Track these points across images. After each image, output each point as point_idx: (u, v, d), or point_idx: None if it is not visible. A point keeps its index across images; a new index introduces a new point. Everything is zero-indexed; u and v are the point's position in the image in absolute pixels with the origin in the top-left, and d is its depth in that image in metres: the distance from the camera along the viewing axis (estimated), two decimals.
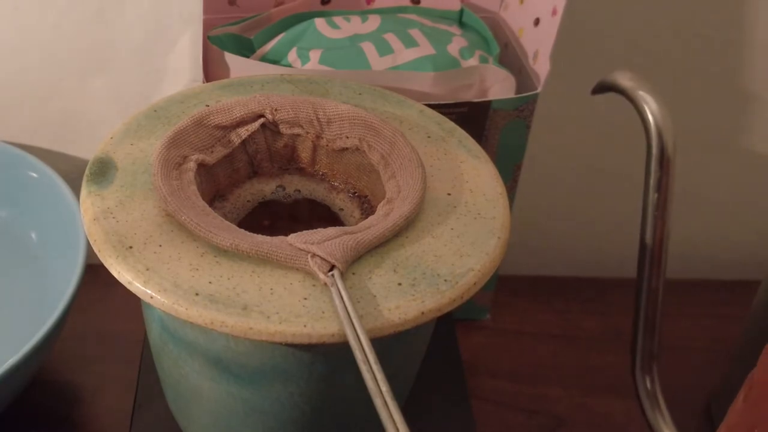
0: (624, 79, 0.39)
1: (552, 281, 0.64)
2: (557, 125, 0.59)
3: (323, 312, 0.31)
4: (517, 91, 0.48)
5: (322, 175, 0.41)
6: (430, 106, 0.43)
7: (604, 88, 0.40)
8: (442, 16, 0.53)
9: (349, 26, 0.49)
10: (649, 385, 0.40)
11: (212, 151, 0.38)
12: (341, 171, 0.41)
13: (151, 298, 0.31)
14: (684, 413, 0.53)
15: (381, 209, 0.36)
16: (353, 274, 0.32)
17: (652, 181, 0.38)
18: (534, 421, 0.53)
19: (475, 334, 0.58)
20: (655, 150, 0.38)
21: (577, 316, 0.60)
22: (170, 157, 0.36)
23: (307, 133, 0.40)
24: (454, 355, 0.51)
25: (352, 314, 0.30)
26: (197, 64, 0.54)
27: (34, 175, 0.54)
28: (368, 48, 0.47)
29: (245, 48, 0.49)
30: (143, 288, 0.31)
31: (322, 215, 0.41)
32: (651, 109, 0.38)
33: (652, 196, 0.38)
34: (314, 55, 0.47)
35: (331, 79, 0.43)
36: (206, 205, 0.35)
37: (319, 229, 0.33)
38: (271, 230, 0.34)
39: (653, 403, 0.40)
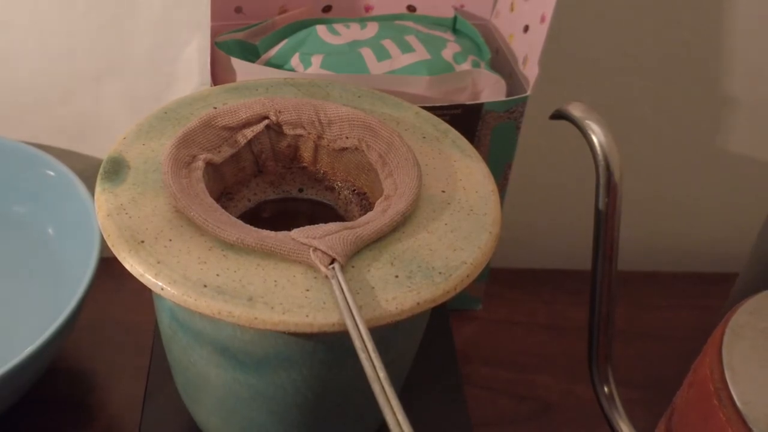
0: (575, 110, 0.39)
1: (541, 274, 0.64)
2: (546, 126, 0.59)
3: (324, 303, 0.31)
4: (508, 94, 0.48)
5: (323, 173, 0.41)
6: (425, 108, 0.43)
7: (558, 116, 0.40)
8: (436, 23, 0.53)
9: (348, 33, 0.49)
10: (606, 389, 0.42)
11: (219, 151, 0.38)
12: (341, 170, 0.41)
13: (162, 289, 0.31)
14: (664, 399, 0.54)
15: (379, 206, 0.36)
16: (353, 267, 0.32)
17: (600, 205, 0.39)
18: (524, 406, 0.53)
19: (468, 323, 0.58)
20: (602, 176, 0.38)
21: (564, 307, 0.60)
22: (180, 156, 0.36)
23: (309, 133, 0.40)
24: (448, 344, 0.51)
25: (352, 305, 0.30)
26: (205, 69, 0.54)
27: (52, 173, 0.54)
28: (367, 53, 0.47)
29: (251, 53, 0.49)
30: (154, 280, 0.31)
31: (323, 211, 0.41)
32: (598, 138, 0.38)
33: (603, 219, 0.39)
34: (316, 60, 0.47)
35: (331, 82, 0.43)
36: (214, 201, 0.35)
37: (320, 225, 0.33)
38: (275, 225, 0.34)
39: (611, 404, 0.42)
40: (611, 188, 0.38)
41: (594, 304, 0.41)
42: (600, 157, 0.38)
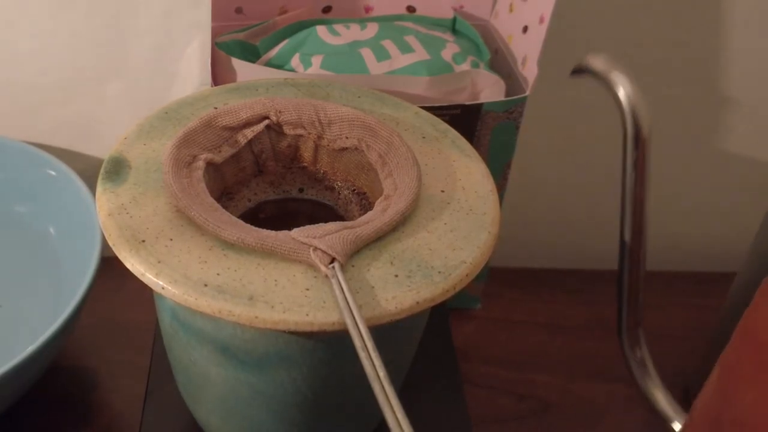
0: (597, 62, 0.37)
1: (540, 273, 0.64)
2: (545, 126, 0.59)
3: (324, 302, 0.31)
4: (507, 95, 0.48)
5: (324, 173, 0.41)
6: (424, 108, 0.43)
7: (579, 71, 0.38)
8: (436, 23, 0.53)
9: (348, 33, 0.49)
10: (638, 353, 0.39)
11: (220, 151, 0.38)
12: (341, 169, 0.41)
13: (163, 288, 0.31)
14: None
15: (379, 205, 0.36)
16: (352, 266, 0.32)
17: (629, 161, 0.36)
18: (523, 404, 0.53)
19: (467, 322, 0.58)
20: (630, 130, 0.36)
21: (563, 306, 0.60)
22: (180, 156, 0.36)
23: (309, 133, 0.40)
24: (447, 343, 0.51)
25: (352, 304, 0.30)
26: (206, 69, 0.54)
27: (53, 173, 0.54)
28: (367, 54, 0.47)
29: (251, 54, 0.49)
30: (155, 279, 0.31)
31: (323, 211, 0.41)
32: (625, 89, 0.36)
33: (630, 175, 0.37)
34: (316, 60, 0.47)
35: (331, 82, 0.43)
36: (214, 201, 0.35)
37: (320, 224, 0.33)
38: (275, 225, 0.34)
39: (643, 370, 0.39)
40: (640, 142, 0.36)
41: (623, 266, 0.38)
42: (627, 110, 0.36)
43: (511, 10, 0.51)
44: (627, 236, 0.38)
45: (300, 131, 0.40)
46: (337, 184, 0.41)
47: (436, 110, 0.44)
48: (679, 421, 0.38)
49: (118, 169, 0.36)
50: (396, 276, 0.32)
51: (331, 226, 0.33)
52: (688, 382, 0.54)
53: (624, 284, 0.39)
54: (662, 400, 0.38)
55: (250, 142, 0.39)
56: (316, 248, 0.32)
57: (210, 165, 0.37)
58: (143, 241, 0.33)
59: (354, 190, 0.40)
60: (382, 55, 0.47)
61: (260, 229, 0.33)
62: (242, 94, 0.41)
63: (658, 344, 0.57)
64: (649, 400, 0.38)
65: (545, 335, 0.58)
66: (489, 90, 0.47)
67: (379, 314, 0.31)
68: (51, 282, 0.52)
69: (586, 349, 0.57)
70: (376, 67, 0.47)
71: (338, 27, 0.49)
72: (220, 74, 0.46)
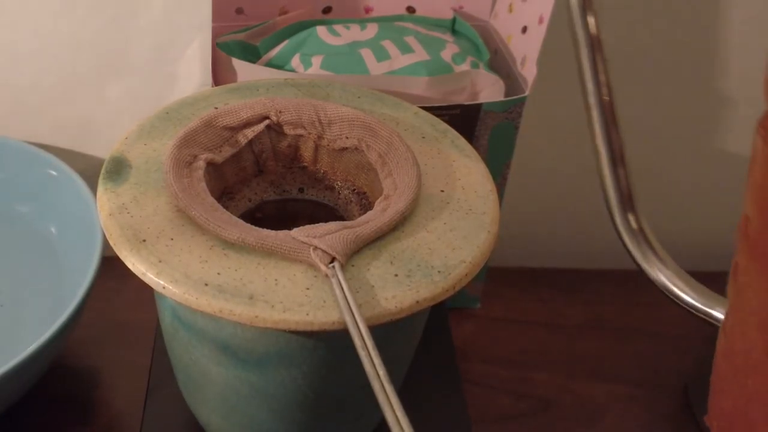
0: None
1: (539, 272, 0.64)
2: (544, 126, 0.59)
3: (324, 301, 0.31)
4: (506, 95, 0.48)
5: (324, 173, 0.41)
6: (424, 108, 0.43)
7: None
8: (436, 24, 0.53)
9: (348, 33, 0.49)
10: (633, 223, 0.33)
11: (220, 151, 0.38)
12: (341, 169, 0.41)
13: (164, 288, 0.31)
14: (662, 395, 0.54)
15: (378, 205, 0.36)
16: (352, 266, 0.32)
17: (580, 34, 0.31)
18: (522, 403, 0.53)
19: (466, 322, 0.58)
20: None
21: (562, 305, 0.60)
22: (181, 156, 0.36)
23: (310, 133, 0.40)
24: (446, 342, 0.51)
25: (352, 303, 0.30)
26: (206, 69, 0.54)
27: (54, 173, 0.54)
28: (367, 54, 0.47)
29: (251, 54, 0.49)
30: (156, 279, 0.31)
31: (323, 211, 0.41)
32: None
33: (585, 52, 0.32)
34: (316, 60, 0.47)
35: (331, 83, 0.43)
36: (215, 201, 0.35)
37: (320, 224, 0.33)
38: (276, 225, 0.34)
39: (640, 242, 0.32)
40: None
41: (597, 140, 0.34)
42: None
43: (510, 11, 0.51)
44: (595, 110, 0.33)
45: (300, 131, 0.40)
46: (337, 184, 0.41)
47: (436, 110, 0.44)
48: (716, 309, 0.30)
49: (119, 168, 0.36)
50: (396, 275, 0.32)
51: (331, 225, 0.33)
52: (687, 380, 0.54)
53: (604, 156, 0.33)
54: (679, 282, 0.30)
55: (250, 142, 0.39)
56: (316, 248, 0.32)
57: (210, 165, 0.37)
58: (144, 240, 0.33)
59: (354, 189, 0.40)
60: (381, 55, 0.47)
61: (260, 229, 0.33)
62: (243, 94, 0.41)
63: (654, 343, 0.58)
64: (661, 286, 0.30)
65: (544, 334, 0.58)
66: (488, 90, 0.47)
67: (379, 313, 0.31)
68: (52, 281, 0.52)
69: (586, 348, 0.57)
70: (376, 68, 0.47)
71: (338, 27, 0.49)
72: (220, 74, 0.46)
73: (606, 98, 0.31)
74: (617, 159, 0.32)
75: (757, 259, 0.21)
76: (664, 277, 0.28)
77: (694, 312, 0.28)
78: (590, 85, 0.31)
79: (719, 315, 0.29)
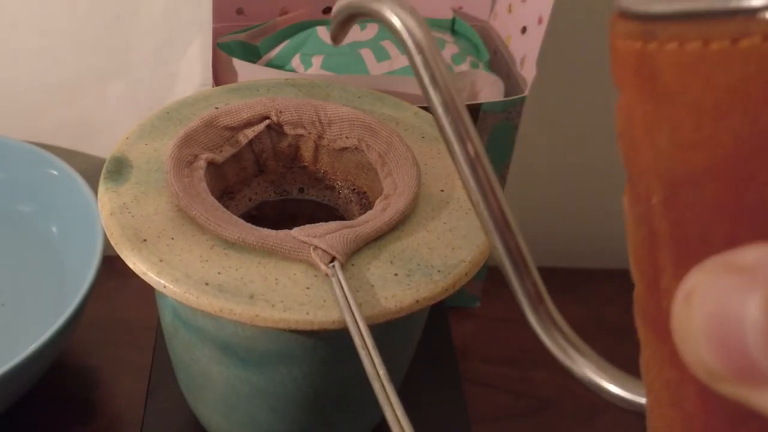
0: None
1: (538, 271, 0.64)
2: (543, 127, 0.59)
3: (324, 300, 0.31)
4: (506, 95, 0.48)
5: (324, 173, 0.41)
6: (424, 108, 0.43)
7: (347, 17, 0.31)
8: (435, 24, 0.53)
9: (348, 34, 0.49)
10: (547, 319, 0.30)
11: (221, 151, 0.38)
12: (341, 169, 0.41)
13: (164, 287, 0.31)
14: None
15: (378, 205, 0.36)
16: (352, 265, 0.32)
17: (432, 95, 0.28)
18: (521, 402, 0.53)
19: (466, 321, 0.58)
20: (413, 50, 0.27)
21: (561, 305, 0.60)
22: (182, 156, 0.36)
23: (310, 133, 0.40)
24: (446, 341, 0.51)
25: (352, 303, 0.30)
26: (207, 69, 0.54)
27: (55, 173, 0.54)
28: (366, 54, 0.47)
29: (252, 54, 0.49)
30: (157, 278, 0.31)
31: (323, 210, 0.41)
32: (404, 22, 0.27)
33: (445, 118, 0.28)
34: (316, 60, 0.47)
35: (332, 83, 0.43)
36: (215, 200, 0.35)
37: (320, 223, 0.33)
38: (276, 224, 0.34)
39: (557, 337, 0.29)
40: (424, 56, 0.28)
41: (493, 239, 0.29)
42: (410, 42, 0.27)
43: (509, 11, 0.51)
44: (478, 197, 0.29)
45: (300, 131, 0.40)
46: (337, 184, 0.41)
47: None
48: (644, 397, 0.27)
49: (119, 168, 0.36)
50: (396, 275, 0.32)
51: (332, 225, 0.33)
52: None
53: (507, 258, 0.29)
54: (607, 382, 0.27)
55: (250, 142, 0.39)
56: (316, 247, 0.32)
57: (211, 164, 0.37)
58: (145, 240, 0.33)
59: (354, 189, 0.40)
60: (381, 55, 0.47)
61: (261, 229, 0.33)
62: (243, 94, 0.41)
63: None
64: (587, 381, 0.27)
65: None
66: (488, 90, 0.47)
67: (378, 313, 0.31)
68: (53, 281, 0.52)
69: None
70: (375, 68, 0.47)
71: None
72: (221, 74, 0.46)
73: (494, 205, 0.29)
74: (518, 264, 0.30)
75: (648, 325, 0.20)
76: (590, 371, 0.27)
77: (621, 404, 0.26)
78: (477, 197, 0.29)
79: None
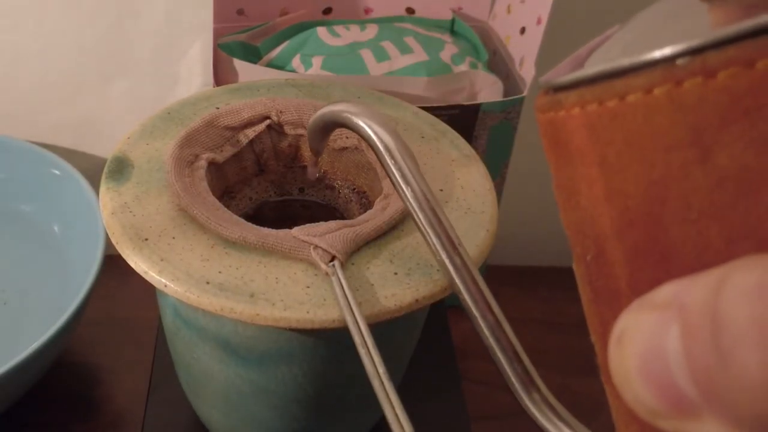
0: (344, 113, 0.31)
1: (537, 271, 0.64)
2: None
3: (325, 299, 0.31)
4: (505, 95, 0.48)
5: (324, 172, 0.41)
6: (423, 108, 0.43)
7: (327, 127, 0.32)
8: (435, 25, 0.53)
9: (348, 34, 0.49)
10: (541, 401, 0.31)
11: (222, 150, 0.38)
12: (341, 169, 0.41)
13: (165, 286, 0.31)
14: None
15: (378, 204, 0.36)
16: (352, 264, 0.32)
17: (405, 192, 0.29)
18: None
19: (465, 319, 0.58)
20: (384, 154, 0.30)
21: (560, 304, 0.60)
22: (183, 155, 0.36)
23: None
24: (446, 340, 0.51)
25: (352, 301, 0.30)
26: (208, 70, 0.54)
27: (57, 172, 0.54)
28: (366, 54, 0.47)
29: (252, 54, 0.49)
30: (158, 277, 0.31)
31: (323, 210, 0.41)
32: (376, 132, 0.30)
33: (419, 212, 0.29)
34: (316, 61, 0.47)
35: (332, 83, 0.43)
36: (216, 200, 0.35)
37: (320, 223, 0.33)
38: (276, 224, 0.34)
39: (551, 418, 0.30)
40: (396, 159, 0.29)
41: (482, 329, 0.31)
42: (382, 150, 0.30)
43: (509, 12, 0.51)
44: (466, 294, 0.31)
45: (301, 131, 0.40)
46: (337, 183, 0.41)
47: (435, 110, 0.44)
48: None
49: (121, 168, 0.36)
50: (395, 274, 0.32)
51: (332, 224, 0.33)
52: None
53: (496, 346, 0.31)
54: None
55: (251, 142, 0.39)
56: (316, 246, 0.32)
57: (212, 164, 0.37)
58: (146, 239, 0.33)
59: (354, 189, 0.40)
60: (381, 55, 0.47)
61: (261, 228, 0.33)
62: (244, 94, 0.41)
63: None
64: None
65: (542, 332, 0.58)
66: (487, 90, 0.47)
67: (378, 312, 0.31)
68: (55, 280, 0.52)
69: (584, 345, 0.56)
70: (375, 68, 0.47)
71: (338, 28, 0.49)
72: (222, 75, 0.46)
73: (478, 296, 0.31)
74: (508, 352, 0.31)
75: (608, 383, 0.21)
76: None
77: None
78: (459, 287, 0.31)
79: None
